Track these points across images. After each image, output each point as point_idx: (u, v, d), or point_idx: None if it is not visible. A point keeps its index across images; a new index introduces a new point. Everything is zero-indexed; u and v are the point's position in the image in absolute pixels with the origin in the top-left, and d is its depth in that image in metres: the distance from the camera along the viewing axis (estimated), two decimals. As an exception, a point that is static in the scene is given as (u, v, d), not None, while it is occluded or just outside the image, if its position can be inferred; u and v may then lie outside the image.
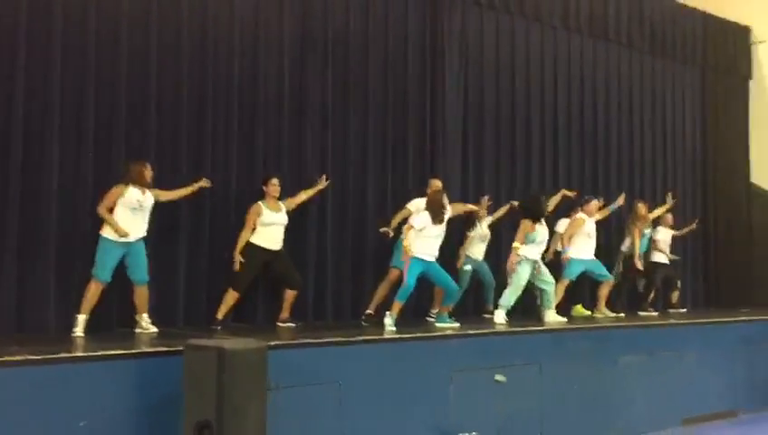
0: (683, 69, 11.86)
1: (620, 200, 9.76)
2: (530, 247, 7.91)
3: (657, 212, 10.34)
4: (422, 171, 8.58)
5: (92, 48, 6.62)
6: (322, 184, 7.67)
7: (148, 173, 6.44)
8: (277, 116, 7.70)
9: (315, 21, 8.01)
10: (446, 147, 8.87)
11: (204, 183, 6.90)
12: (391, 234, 7.73)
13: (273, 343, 5.27)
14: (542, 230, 7.99)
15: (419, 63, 8.79)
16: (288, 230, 7.35)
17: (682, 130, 11.82)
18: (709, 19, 12.08)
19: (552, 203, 8.92)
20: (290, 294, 7.25)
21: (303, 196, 7.53)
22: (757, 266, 12.17)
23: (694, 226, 11.09)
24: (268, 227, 7.08)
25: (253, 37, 7.60)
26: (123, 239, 6.21)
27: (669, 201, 10.65)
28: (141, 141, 6.84)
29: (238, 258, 6.94)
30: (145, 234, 6.42)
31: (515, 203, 9.00)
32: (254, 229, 7.05)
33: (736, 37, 12.45)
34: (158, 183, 6.73)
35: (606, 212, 9.57)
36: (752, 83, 12.63)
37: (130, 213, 6.29)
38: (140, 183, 6.37)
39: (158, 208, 6.65)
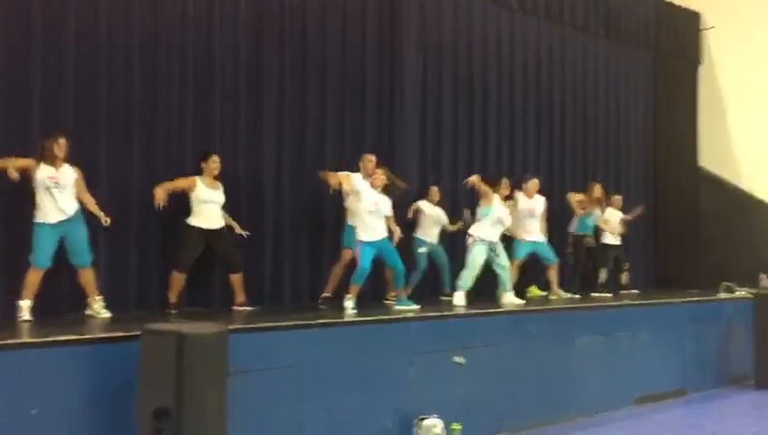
0: (635, 52, 12.03)
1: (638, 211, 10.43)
2: (485, 227, 7.93)
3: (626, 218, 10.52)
4: (380, 151, 8.46)
5: (38, 35, 6.31)
6: (243, 233, 7.24)
7: (60, 147, 5.98)
8: (233, 95, 7.51)
9: (271, 1, 7.81)
10: (404, 126, 8.83)
11: (104, 221, 6.29)
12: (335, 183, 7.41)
13: (232, 327, 5.15)
14: (497, 207, 7.99)
15: (377, 42, 8.69)
16: (244, 214, 7.23)
17: (634, 113, 12.02)
18: (661, 4, 12.26)
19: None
20: (234, 278, 7.05)
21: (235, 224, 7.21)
22: (704, 248, 12.43)
23: (640, 211, 11.13)
24: (205, 205, 6.85)
25: (208, 14, 7.37)
26: (53, 221, 5.90)
27: (638, 211, 10.79)
28: (91, 124, 6.57)
29: (160, 195, 6.51)
30: (72, 212, 6.03)
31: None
32: (191, 209, 6.80)
33: (687, 23, 12.67)
34: (110, 156, 6.57)
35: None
36: (701, 68, 12.86)
37: (48, 193, 5.93)
38: (51, 159, 5.96)
39: (109, 192, 6.46)
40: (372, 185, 7.21)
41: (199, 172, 6.93)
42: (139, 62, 6.89)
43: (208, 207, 6.88)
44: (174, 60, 7.13)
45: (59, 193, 5.99)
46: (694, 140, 12.79)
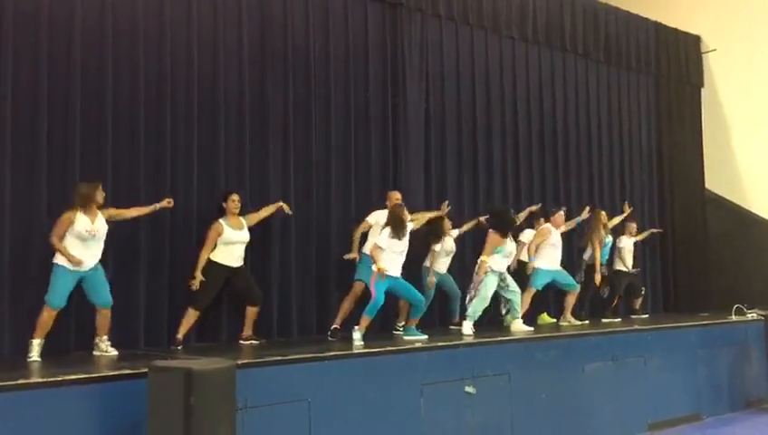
0: (637, 78, 12.05)
1: (585, 213, 9.86)
2: (497, 259, 7.93)
3: (615, 221, 10.48)
4: (385, 184, 8.53)
5: (44, 67, 6.41)
6: (287, 210, 7.49)
7: (100, 196, 6.11)
8: (238, 132, 7.56)
9: (275, 36, 7.91)
10: (408, 159, 8.84)
11: (166, 203, 6.61)
12: (357, 258, 7.70)
13: (240, 362, 5.15)
14: (509, 243, 8.04)
15: (380, 76, 8.75)
16: (251, 246, 7.24)
17: (638, 138, 12.00)
18: (661, 28, 12.32)
19: (521, 218, 8.91)
20: (251, 311, 7.12)
21: (265, 212, 7.38)
22: (713, 271, 12.37)
23: (655, 230, 11.27)
24: (230, 246, 6.93)
25: (212, 52, 7.46)
26: (76, 268, 5.96)
27: (626, 209, 10.84)
28: (97, 161, 6.62)
29: (199, 277, 6.76)
30: (98, 261, 6.12)
31: (482, 219, 9.02)
32: (214, 247, 6.88)
33: (688, 46, 12.72)
34: (117, 195, 6.57)
35: (571, 224, 9.66)
36: (703, 91, 12.89)
37: (81, 242, 5.98)
38: (90, 208, 6.04)
39: (117, 227, 6.46)
40: None
41: (220, 212, 6.97)
42: (145, 109, 6.94)
43: (234, 247, 6.95)
44: (180, 104, 7.17)
45: (93, 243, 6.06)
46: (699, 162, 12.77)
